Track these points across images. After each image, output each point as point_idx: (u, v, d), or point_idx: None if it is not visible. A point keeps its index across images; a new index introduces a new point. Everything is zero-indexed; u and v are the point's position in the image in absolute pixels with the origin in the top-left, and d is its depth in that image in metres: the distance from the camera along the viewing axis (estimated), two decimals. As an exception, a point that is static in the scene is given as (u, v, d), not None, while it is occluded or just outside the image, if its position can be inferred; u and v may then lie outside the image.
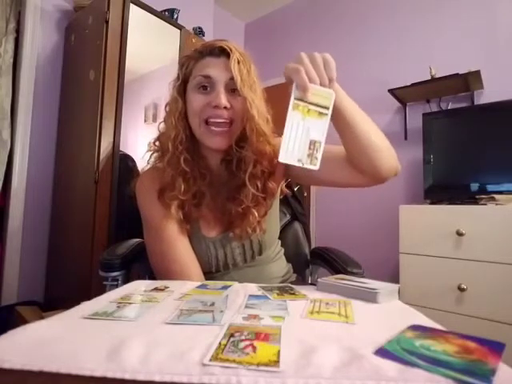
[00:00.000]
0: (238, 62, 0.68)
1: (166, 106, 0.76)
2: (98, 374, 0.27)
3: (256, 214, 0.73)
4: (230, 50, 0.69)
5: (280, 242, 0.94)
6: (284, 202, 1.07)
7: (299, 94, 0.53)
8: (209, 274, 0.77)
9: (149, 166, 0.80)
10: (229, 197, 0.75)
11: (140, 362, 0.29)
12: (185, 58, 0.74)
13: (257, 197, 0.73)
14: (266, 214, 0.77)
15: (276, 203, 0.85)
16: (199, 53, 0.72)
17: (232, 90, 0.70)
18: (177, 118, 0.71)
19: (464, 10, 2.05)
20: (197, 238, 0.77)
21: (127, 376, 0.26)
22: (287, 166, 0.76)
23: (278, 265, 0.88)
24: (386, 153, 0.67)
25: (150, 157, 0.79)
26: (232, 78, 0.68)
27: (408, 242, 1.65)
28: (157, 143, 0.77)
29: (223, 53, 0.69)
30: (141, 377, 0.27)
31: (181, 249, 0.73)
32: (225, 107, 0.68)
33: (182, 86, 0.73)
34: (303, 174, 0.74)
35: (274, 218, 0.85)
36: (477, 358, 0.30)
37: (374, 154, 0.65)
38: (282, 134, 0.52)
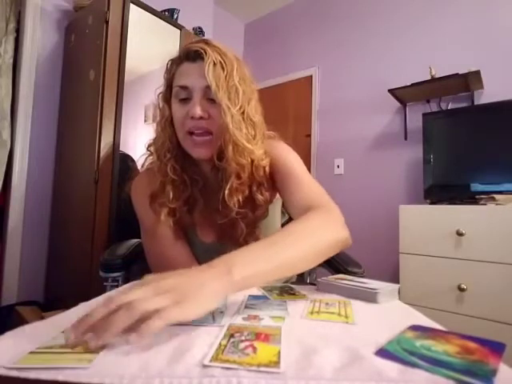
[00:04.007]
0: (214, 64, 0.63)
1: (159, 113, 0.74)
2: (95, 380, 0.26)
3: (244, 227, 0.70)
4: (205, 52, 0.63)
5: None
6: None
7: None
8: None
9: (143, 169, 0.79)
10: (216, 208, 0.71)
11: (140, 365, 0.29)
12: (169, 61, 0.71)
13: (244, 210, 0.69)
14: (257, 225, 0.73)
15: (276, 208, 0.83)
16: (179, 57, 0.69)
17: (211, 97, 0.65)
18: (163, 125, 0.69)
19: (464, 10, 2.04)
20: (193, 243, 0.76)
21: (125, 382, 0.26)
22: (273, 179, 0.73)
23: None
24: (312, 262, 0.55)
25: (145, 161, 0.77)
26: (209, 86, 0.63)
27: (408, 242, 1.64)
28: (150, 148, 0.75)
29: (199, 56, 0.64)
30: (139, 382, 0.26)
31: (178, 252, 0.73)
32: (201, 117, 0.64)
33: (168, 91, 0.70)
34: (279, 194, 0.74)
35: (273, 223, 0.82)
36: (478, 359, 0.30)
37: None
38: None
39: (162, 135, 0.69)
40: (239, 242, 0.71)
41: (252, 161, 0.68)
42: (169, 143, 0.69)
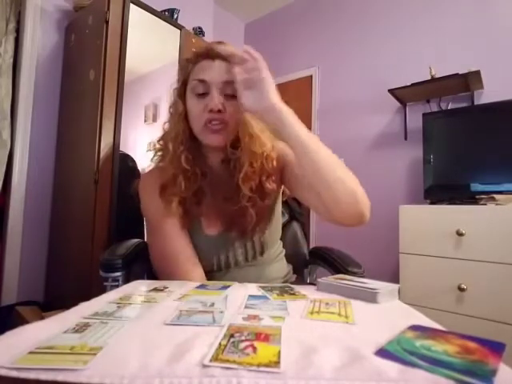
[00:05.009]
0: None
1: (169, 108, 0.77)
2: (95, 381, 0.26)
3: (253, 214, 0.74)
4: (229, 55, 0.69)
5: (282, 243, 0.94)
6: (283, 202, 1.07)
7: None
8: (210, 272, 0.78)
9: (151, 166, 0.81)
10: (226, 196, 0.76)
11: (140, 365, 0.29)
12: (184, 60, 0.76)
13: (253, 197, 0.74)
14: (264, 215, 0.78)
15: (278, 205, 0.86)
16: (196, 56, 0.73)
17: (227, 93, 0.69)
18: (177, 120, 0.73)
19: (464, 10, 2.04)
20: (198, 236, 0.77)
21: (125, 382, 0.26)
22: (282, 174, 0.79)
23: (280, 265, 0.89)
24: (343, 188, 0.61)
25: (154, 155, 0.80)
26: (227, 82, 0.68)
27: (408, 242, 1.64)
28: (160, 142, 0.78)
29: (218, 56, 0.69)
30: (139, 382, 0.26)
31: (181, 246, 0.74)
32: (219, 110, 0.68)
33: (183, 88, 0.74)
34: (290, 186, 0.80)
35: (276, 220, 0.85)
36: (478, 359, 0.30)
37: (329, 184, 0.61)
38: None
39: (176, 128, 0.73)
40: (247, 232, 0.75)
41: (262, 152, 0.74)
42: (182, 135, 0.73)
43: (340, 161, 0.64)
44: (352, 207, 0.62)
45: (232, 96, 0.69)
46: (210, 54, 0.70)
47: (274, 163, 0.76)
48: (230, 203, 0.74)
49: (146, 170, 0.83)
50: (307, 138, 0.61)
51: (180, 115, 0.73)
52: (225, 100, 0.69)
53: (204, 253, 0.77)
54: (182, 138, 0.72)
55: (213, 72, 0.69)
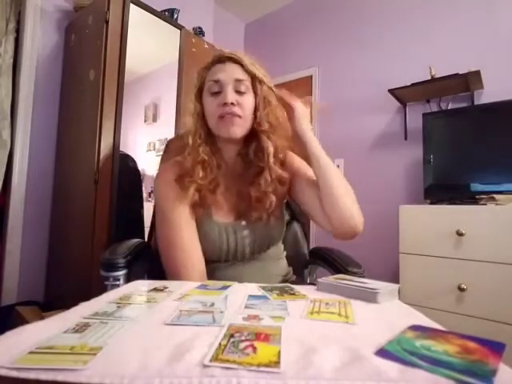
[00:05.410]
0: (250, 63, 0.80)
1: (187, 112, 0.86)
2: (95, 381, 0.26)
3: (273, 199, 0.81)
4: (238, 56, 0.79)
5: (283, 246, 0.96)
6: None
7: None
8: (216, 263, 0.81)
9: (170, 160, 0.88)
10: (248, 182, 0.83)
11: (140, 365, 0.29)
12: (200, 69, 0.84)
13: (274, 182, 0.81)
14: (279, 202, 0.84)
15: (283, 206, 0.91)
16: (210, 63, 0.82)
17: (239, 90, 0.78)
18: (195, 118, 0.82)
19: (464, 10, 2.04)
20: (209, 224, 0.81)
21: (125, 382, 0.26)
22: (291, 182, 0.87)
23: (281, 263, 0.93)
24: (347, 214, 0.76)
25: (170, 143, 0.91)
26: (238, 80, 0.78)
27: (408, 242, 1.64)
28: (178, 140, 0.86)
29: (229, 59, 0.80)
30: (139, 382, 0.26)
31: (186, 236, 0.77)
32: (232, 103, 0.76)
33: (199, 92, 0.83)
34: (295, 195, 0.88)
35: (282, 219, 0.90)
36: (478, 359, 0.30)
37: (335, 208, 0.76)
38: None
39: (194, 126, 0.82)
40: (262, 218, 0.82)
41: (282, 143, 0.85)
42: (200, 130, 0.81)
43: (348, 185, 0.79)
44: (350, 228, 0.76)
45: (244, 93, 0.78)
46: (221, 58, 0.80)
47: (286, 156, 0.88)
48: (253, 187, 0.81)
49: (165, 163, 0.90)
50: (326, 166, 0.78)
51: (198, 114, 0.81)
52: (237, 95, 0.78)
53: (213, 241, 0.80)
54: (201, 133, 0.80)
55: (225, 72, 0.78)
